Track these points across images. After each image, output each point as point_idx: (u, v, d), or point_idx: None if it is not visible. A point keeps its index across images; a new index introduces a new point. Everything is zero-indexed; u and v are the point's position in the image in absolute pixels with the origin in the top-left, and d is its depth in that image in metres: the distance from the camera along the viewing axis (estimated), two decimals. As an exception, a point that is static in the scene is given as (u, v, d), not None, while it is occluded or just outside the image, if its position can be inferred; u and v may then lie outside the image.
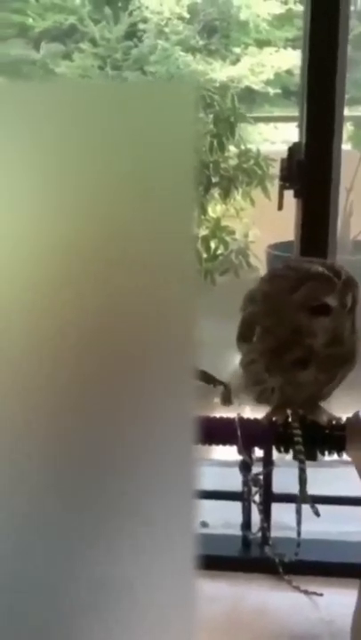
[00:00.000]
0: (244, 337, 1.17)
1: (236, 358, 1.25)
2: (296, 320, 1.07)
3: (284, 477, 1.24)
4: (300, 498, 1.18)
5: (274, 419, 1.19)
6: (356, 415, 1.16)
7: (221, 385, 1.29)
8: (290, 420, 1.18)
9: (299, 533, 1.20)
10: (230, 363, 1.38)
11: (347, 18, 1.58)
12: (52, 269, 0.48)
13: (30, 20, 5.63)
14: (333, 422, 1.17)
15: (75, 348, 0.48)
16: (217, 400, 1.31)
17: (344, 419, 1.17)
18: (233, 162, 3.05)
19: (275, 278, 1.16)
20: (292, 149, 1.64)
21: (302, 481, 1.17)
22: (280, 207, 1.69)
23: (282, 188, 1.68)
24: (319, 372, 1.10)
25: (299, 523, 1.19)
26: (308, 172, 1.63)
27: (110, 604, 0.51)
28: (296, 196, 1.66)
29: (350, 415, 1.17)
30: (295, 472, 1.18)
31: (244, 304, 1.17)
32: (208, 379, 1.27)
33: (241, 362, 1.19)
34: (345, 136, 2.25)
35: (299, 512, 1.19)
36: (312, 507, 1.17)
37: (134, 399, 0.49)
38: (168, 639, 0.52)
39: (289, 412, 1.19)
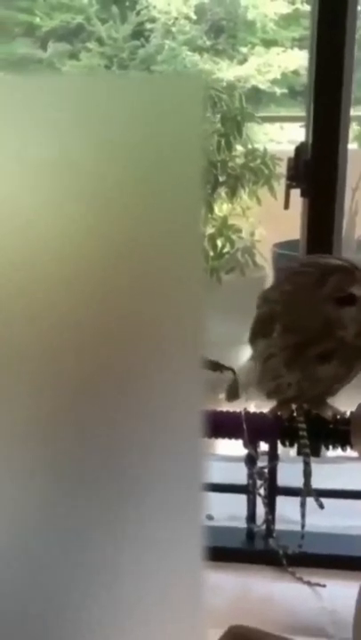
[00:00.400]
0: (260, 333, 1.17)
1: (241, 354, 1.27)
2: (326, 313, 1.08)
3: (289, 472, 1.25)
4: (305, 491, 1.20)
5: (279, 413, 1.21)
6: (359, 409, 1.18)
7: (229, 370, 1.30)
8: (295, 414, 1.20)
9: (303, 526, 1.22)
10: (236, 359, 1.39)
11: (354, 18, 1.59)
12: (56, 267, 0.48)
13: (37, 20, 5.64)
14: (338, 417, 1.19)
15: (82, 344, 0.49)
16: (222, 396, 1.33)
17: (348, 413, 1.19)
18: (240, 161, 3.05)
19: (293, 276, 1.16)
20: (299, 149, 1.66)
21: (307, 474, 1.19)
22: (286, 206, 1.71)
23: (288, 188, 1.69)
24: (340, 365, 1.11)
25: (303, 515, 1.21)
26: (315, 171, 1.65)
27: (117, 595, 0.52)
28: (303, 195, 1.68)
29: (354, 409, 1.19)
30: (299, 467, 1.20)
31: (260, 303, 1.18)
32: (214, 366, 1.28)
33: (257, 357, 1.19)
34: (351, 136, 2.26)
35: (303, 505, 1.21)
36: (316, 500, 1.18)
37: (142, 395, 0.50)
38: (176, 627, 0.53)
39: (294, 406, 1.20)
